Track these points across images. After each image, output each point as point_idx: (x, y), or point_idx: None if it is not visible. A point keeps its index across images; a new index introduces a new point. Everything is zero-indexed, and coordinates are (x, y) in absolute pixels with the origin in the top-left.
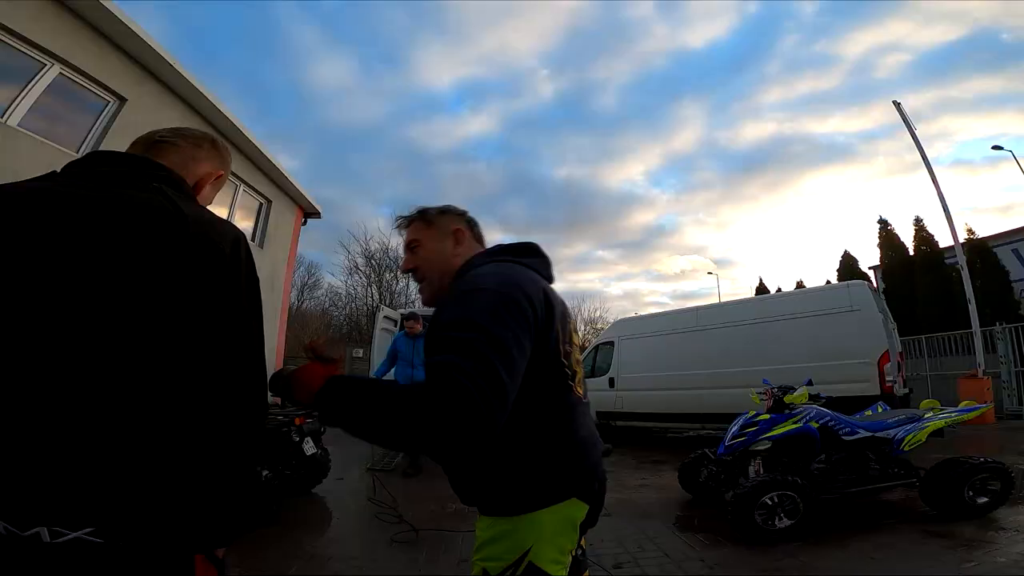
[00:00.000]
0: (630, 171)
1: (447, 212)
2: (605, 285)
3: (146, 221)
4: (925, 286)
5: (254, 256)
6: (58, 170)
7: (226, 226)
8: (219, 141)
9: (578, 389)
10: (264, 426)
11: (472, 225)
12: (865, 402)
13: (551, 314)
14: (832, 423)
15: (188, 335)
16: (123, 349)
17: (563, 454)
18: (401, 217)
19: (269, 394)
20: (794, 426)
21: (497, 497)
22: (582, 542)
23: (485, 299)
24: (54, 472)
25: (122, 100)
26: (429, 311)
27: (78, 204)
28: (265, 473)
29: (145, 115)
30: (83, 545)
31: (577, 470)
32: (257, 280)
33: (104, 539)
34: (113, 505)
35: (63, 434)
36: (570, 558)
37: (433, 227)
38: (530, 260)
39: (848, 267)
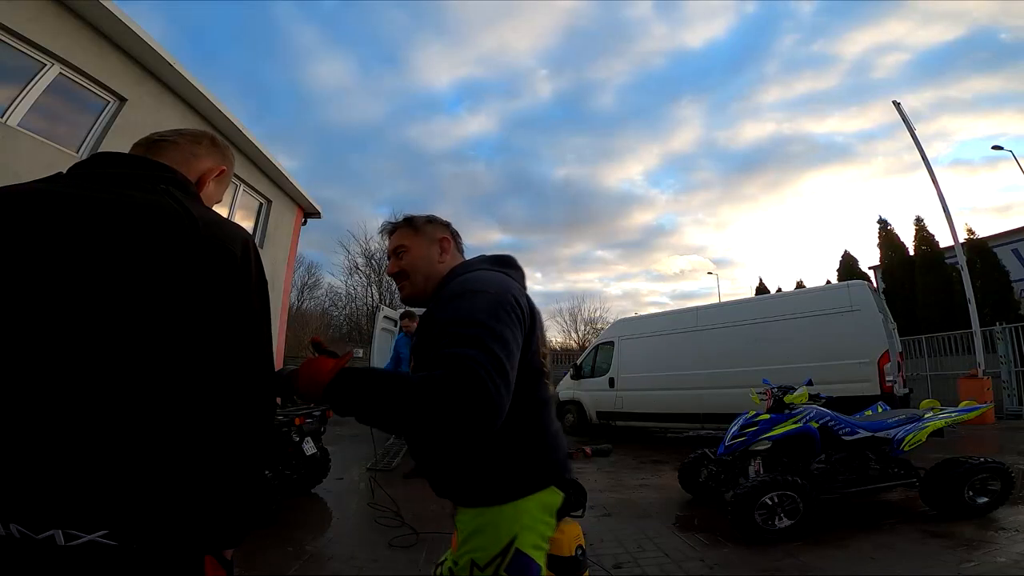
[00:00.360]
0: (629, 171)
1: (433, 221)
2: (605, 285)
3: (157, 224)
4: (925, 286)
5: None
6: (64, 171)
7: (234, 227)
8: (218, 138)
9: (551, 386)
10: (273, 427)
11: (456, 236)
12: (865, 402)
13: (533, 318)
14: (832, 423)
15: (200, 338)
16: (135, 352)
17: (543, 444)
18: (388, 223)
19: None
20: (794, 426)
21: (483, 487)
22: (582, 542)
23: (484, 300)
24: (68, 475)
25: (122, 100)
26: (422, 309)
27: (88, 206)
28: (265, 473)
29: (145, 115)
30: (97, 548)
31: (553, 459)
32: (266, 281)
33: (118, 541)
34: (127, 507)
35: (76, 437)
36: (548, 545)
37: (420, 234)
38: (508, 271)
39: (848, 267)
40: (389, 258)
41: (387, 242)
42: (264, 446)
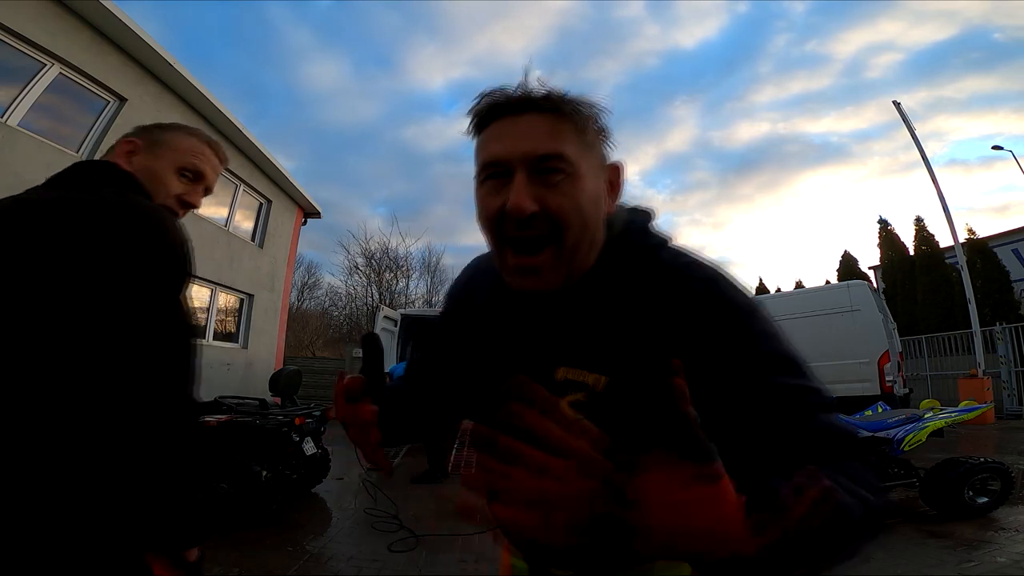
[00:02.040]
0: (625, 171)
1: (605, 132)
2: None
3: (18, 219)
4: (925, 286)
5: (254, 256)
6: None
7: (146, 211)
8: (170, 125)
9: None
10: (193, 421)
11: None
12: (865, 402)
13: None
14: None
15: (99, 331)
16: (20, 349)
17: None
18: (519, 92)
19: (269, 394)
20: None
21: None
22: None
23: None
24: None
25: (122, 100)
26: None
27: None
28: (265, 473)
29: (145, 115)
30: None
31: None
32: (184, 268)
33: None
34: (23, 510)
35: None
36: None
37: (591, 152)
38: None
39: (848, 267)
40: (525, 177)
41: (494, 134)
42: (182, 446)
